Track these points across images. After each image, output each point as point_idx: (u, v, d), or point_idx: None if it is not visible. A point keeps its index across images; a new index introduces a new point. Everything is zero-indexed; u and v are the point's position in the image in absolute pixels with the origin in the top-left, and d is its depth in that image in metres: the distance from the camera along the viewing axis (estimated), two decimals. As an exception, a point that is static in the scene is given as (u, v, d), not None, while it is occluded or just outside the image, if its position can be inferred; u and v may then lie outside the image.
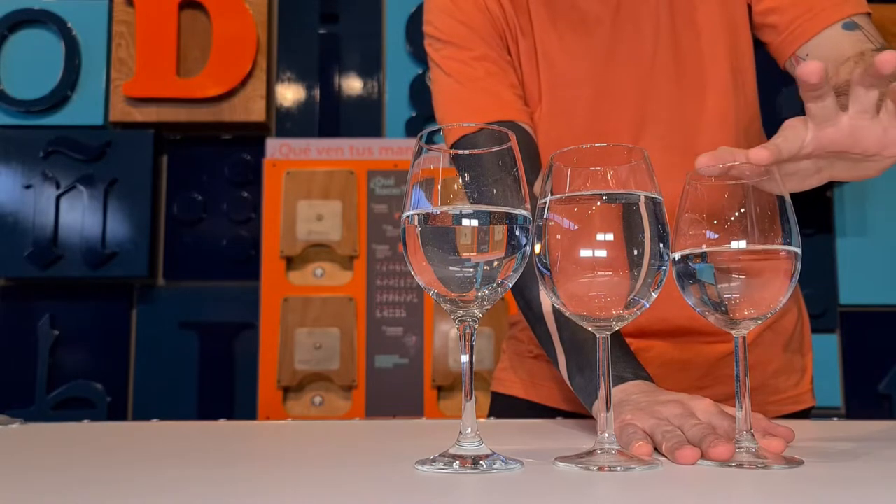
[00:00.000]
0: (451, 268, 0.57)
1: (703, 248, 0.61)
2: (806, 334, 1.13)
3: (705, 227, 0.61)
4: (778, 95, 2.57)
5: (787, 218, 0.60)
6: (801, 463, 0.58)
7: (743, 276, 0.60)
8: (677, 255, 0.62)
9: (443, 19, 1.04)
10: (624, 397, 0.75)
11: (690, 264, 0.61)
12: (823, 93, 0.65)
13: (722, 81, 1.01)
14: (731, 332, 0.62)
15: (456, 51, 1.03)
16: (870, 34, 0.93)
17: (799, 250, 0.60)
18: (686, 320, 1.01)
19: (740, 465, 0.57)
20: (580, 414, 1.01)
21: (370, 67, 2.83)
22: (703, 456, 0.59)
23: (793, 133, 0.68)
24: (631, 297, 0.58)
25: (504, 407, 1.16)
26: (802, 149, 0.68)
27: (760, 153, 0.62)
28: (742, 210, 0.60)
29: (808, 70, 0.63)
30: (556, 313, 0.88)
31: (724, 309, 0.61)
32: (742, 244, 0.59)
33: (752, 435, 0.60)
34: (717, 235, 0.60)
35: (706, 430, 0.61)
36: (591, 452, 0.59)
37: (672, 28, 1.01)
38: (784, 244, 0.60)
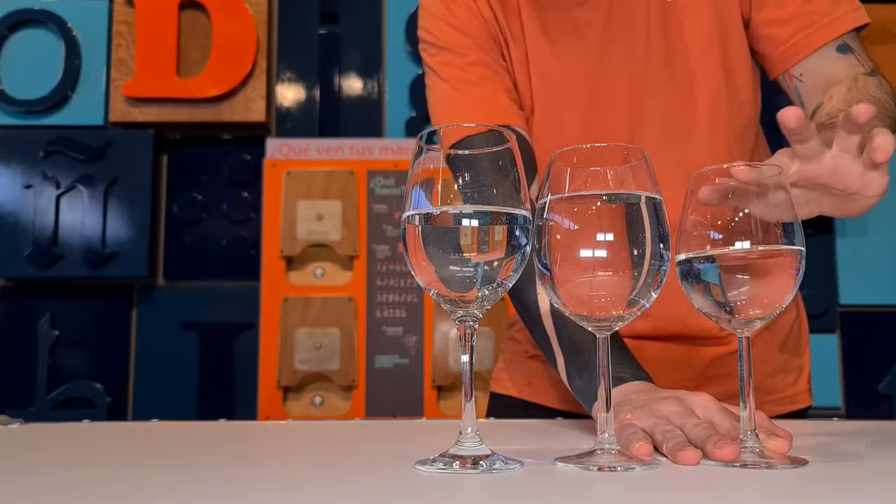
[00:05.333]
0: (451, 268, 0.57)
1: (708, 249, 0.60)
2: (804, 334, 1.13)
3: (709, 227, 0.61)
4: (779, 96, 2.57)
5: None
6: (805, 463, 0.57)
7: (747, 277, 0.60)
8: (682, 256, 0.62)
9: (438, 25, 1.05)
10: (623, 398, 0.75)
11: (695, 265, 0.61)
12: (805, 136, 0.69)
13: (713, 87, 1.01)
14: (736, 332, 0.62)
15: (452, 56, 1.04)
16: (861, 57, 0.95)
17: (803, 249, 0.60)
18: (679, 327, 1.02)
19: (744, 465, 0.57)
20: (578, 413, 1.01)
21: (370, 67, 2.83)
22: (709, 457, 0.59)
23: (778, 163, 0.72)
24: (631, 297, 0.58)
25: (501, 407, 1.16)
26: (788, 178, 0.72)
27: (743, 170, 0.65)
28: (746, 210, 0.60)
29: (786, 116, 0.67)
30: (555, 315, 0.88)
31: (728, 309, 0.61)
32: (746, 244, 0.59)
33: (757, 435, 0.60)
34: (721, 236, 0.60)
35: (709, 431, 0.61)
36: (591, 452, 0.59)
37: (663, 34, 1.01)
38: (787, 244, 0.60)
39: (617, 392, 0.77)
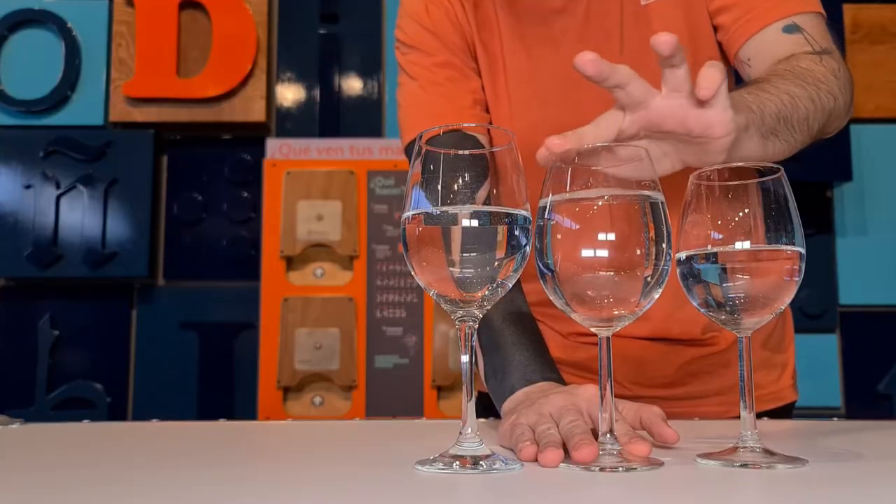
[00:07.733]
0: (451, 268, 0.57)
1: (708, 249, 0.60)
2: (787, 330, 1.13)
3: (710, 227, 0.61)
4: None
5: (791, 218, 0.60)
6: (805, 463, 0.57)
7: (747, 277, 0.60)
8: (682, 256, 0.62)
9: (411, 25, 1.06)
10: (524, 398, 0.76)
11: (695, 265, 0.61)
12: (618, 83, 0.67)
13: None
14: (736, 332, 0.62)
15: (420, 56, 1.05)
16: (811, 37, 0.91)
17: (803, 250, 0.60)
18: (649, 333, 1.01)
19: (744, 465, 0.56)
20: None
21: (370, 67, 2.83)
22: (569, 457, 0.58)
23: (607, 119, 0.70)
24: (632, 296, 0.58)
25: (484, 404, 1.16)
26: (623, 132, 0.70)
27: (555, 140, 0.64)
28: (746, 210, 0.60)
29: (660, 41, 0.64)
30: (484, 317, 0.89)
31: (728, 309, 0.61)
32: (746, 244, 0.59)
33: (616, 438, 0.59)
34: (721, 236, 0.60)
35: (576, 429, 0.61)
36: (591, 452, 0.59)
37: (637, 38, 1.00)
38: (788, 244, 0.60)
39: (521, 394, 0.79)
